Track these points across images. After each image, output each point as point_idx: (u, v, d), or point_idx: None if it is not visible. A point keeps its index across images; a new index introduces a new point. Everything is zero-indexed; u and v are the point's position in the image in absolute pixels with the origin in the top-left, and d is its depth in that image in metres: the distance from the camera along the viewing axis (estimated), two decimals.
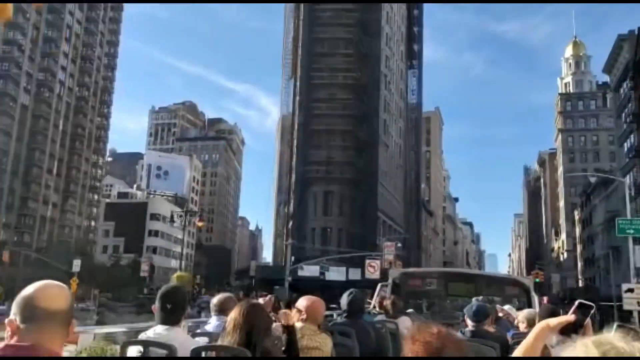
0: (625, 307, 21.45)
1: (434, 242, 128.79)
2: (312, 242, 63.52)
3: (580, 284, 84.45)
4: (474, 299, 5.92)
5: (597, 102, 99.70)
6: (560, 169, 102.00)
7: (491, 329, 4.87)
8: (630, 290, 21.01)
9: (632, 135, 56.73)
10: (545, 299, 32.47)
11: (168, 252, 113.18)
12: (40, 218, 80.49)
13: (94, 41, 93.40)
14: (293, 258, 46.47)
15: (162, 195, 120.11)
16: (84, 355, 8.98)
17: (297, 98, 70.78)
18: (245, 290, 57.96)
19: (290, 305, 5.17)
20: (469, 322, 4.68)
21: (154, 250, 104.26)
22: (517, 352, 1.88)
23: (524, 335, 2.57)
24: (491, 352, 3.93)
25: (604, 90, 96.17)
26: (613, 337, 1.06)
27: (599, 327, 2.01)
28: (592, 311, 1.92)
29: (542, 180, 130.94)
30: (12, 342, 1.59)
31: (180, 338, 3.20)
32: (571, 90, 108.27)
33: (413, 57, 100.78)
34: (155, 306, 3.28)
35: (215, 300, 4.50)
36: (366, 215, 66.45)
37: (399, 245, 50.15)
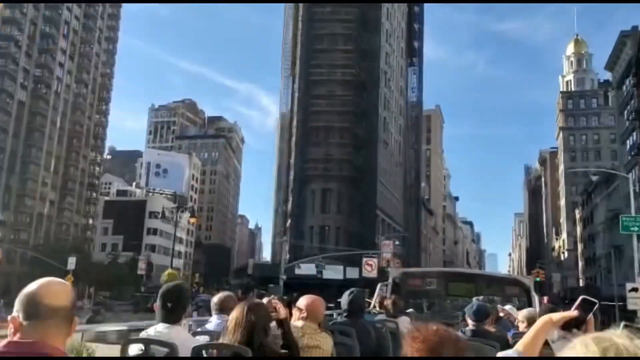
0: (630, 307, 20.81)
1: (433, 241, 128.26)
2: (310, 240, 62.92)
3: (581, 283, 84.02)
4: (474, 299, 5.91)
5: (599, 101, 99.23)
6: (562, 168, 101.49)
7: (492, 328, 4.89)
8: (635, 290, 20.39)
9: (634, 133, 56.14)
10: (545, 298, 32.12)
11: (167, 251, 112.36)
12: (37, 215, 79.95)
13: (92, 37, 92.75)
14: (288, 256, 45.92)
15: (161, 194, 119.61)
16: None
17: (296, 95, 70.11)
18: (244, 289, 57.55)
19: (290, 304, 4.99)
20: (470, 322, 4.68)
21: (153, 248, 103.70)
22: (519, 345, 1.91)
23: (523, 335, 2.34)
24: (492, 351, 3.87)
25: (606, 89, 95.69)
26: (614, 334, 1.05)
27: (600, 327, 1.78)
28: (595, 308, 1.93)
29: (542, 179, 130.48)
30: (15, 339, 1.59)
31: (181, 336, 3.22)
32: (573, 88, 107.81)
33: (413, 54, 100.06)
34: (156, 304, 3.32)
35: (215, 299, 4.50)
36: (365, 214, 65.81)
37: (397, 243, 49.60)
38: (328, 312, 7.85)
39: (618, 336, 1.04)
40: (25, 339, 1.57)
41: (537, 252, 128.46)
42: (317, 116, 67.65)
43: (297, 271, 45.39)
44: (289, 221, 66.42)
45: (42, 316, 1.60)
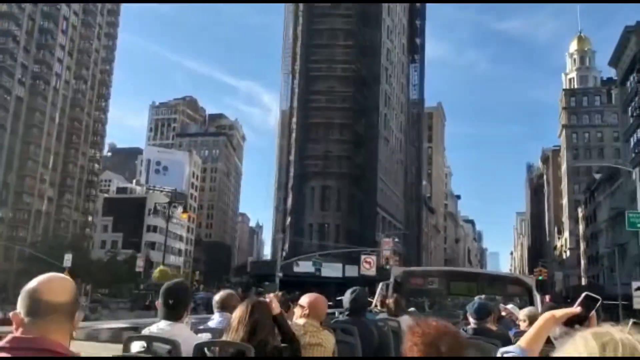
0: (636, 306, 20.21)
1: (435, 240, 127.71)
2: (310, 238, 62.26)
3: (584, 282, 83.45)
4: (476, 298, 5.92)
5: (602, 98, 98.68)
6: (564, 166, 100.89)
7: (493, 327, 4.87)
8: None
9: (638, 130, 55.41)
10: (547, 297, 31.90)
11: (167, 248, 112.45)
12: (35, 212, 79.44)
13: (91, 34, 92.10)
14: (284, 253, 45.36)
15: (161, 191, 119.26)
16: None
17: (296, 90, 69.39)
18: (244, 286, 57.10)
19: (287, 302, 5.17)
20: (471, 320, 4.67)
21: (153, 245, 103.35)
22: (522, 341, 1.94)
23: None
24: (494, 349, 3.67)
25: (609, 86, 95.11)
26: (613, 329, 1.05)
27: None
28: (598, 304, 1.94)
29: (545, 177, 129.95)
30: (18, 334, 1.63)
31: (184, 334, 3.21)
32: (576, 86, 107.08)
33: (415, 50, 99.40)
34: (158, 302, 3.34)
35: (217, 297, 4.49)
36: (365, 211, 65.18)
37: (397, 240, 48.99)
38: (329, 310, 7.63)
39: (618, 331, 1.04)
40: (27, 335, 1.59)
41: (539, 251, 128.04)
42: (317, 112, 66.91)
43: (296, 269, 44.82)
44: (289, 219, 65.82)
45: (42, 312, 1.61)
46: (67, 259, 44.90)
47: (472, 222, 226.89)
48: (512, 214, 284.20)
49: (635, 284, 20.88)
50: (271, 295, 4.74)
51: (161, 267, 20.19)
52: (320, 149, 65.78)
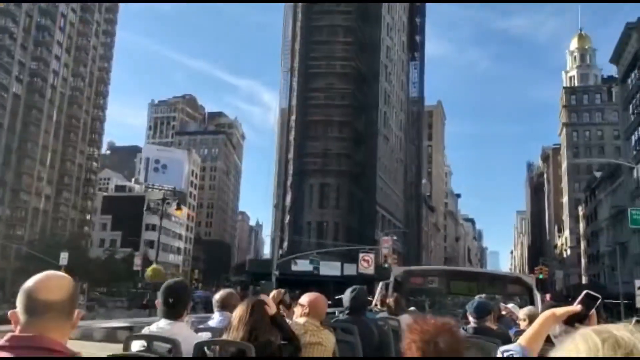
0: (639, 304, 19.71)
1: (435, 238, 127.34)
2: (308, 236, 61.79)
3: (584, 280, 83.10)
4: (476, 297, 5.99)
5: (603, 96, 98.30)
6: (564, 164, 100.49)
7: (494, 326, 4.86)
8: None
9: (639, 128, 54.94)
10: (547, 296, 31.75)
11: (166, 247, 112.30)
12: (32, 210, 79.02)
13: (89, 30, 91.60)
14: (281, 252, 44.92)
15: (160, 189, 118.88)
16: None
17: (295, 87, 68.87)
18: (243, 285, 56.62)
19: (290, 301, 5.14)
20: (471, 319, 4.65)
21: (151, 244, 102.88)
22: (522, 339, 1.96)
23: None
24: (494, 348, 3.42)
25: (610, 84, 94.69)
26: (613, 327, 1.04)
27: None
28: (598, 303, 1.96)
29: (545, 176, 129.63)
30: (16, 333, 1.64)
31: (184, 333, 3.20)
32: (576, 84, 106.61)
33: (415, 48, 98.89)
34: (158, 301, 3.35)
35: (217, 296, 4.47)
36: (364, 209, 64.73)
37: (395, 238, 48.56)
38: (329, 310, 7.53)
39: (617, 329, 1.03)
40: (26, 334, 1.60)
41: (539, 250, 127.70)
42: (316, 110, 66.40)
43: (294, 267, 44.40)
44: (288, 217, 65.39)
45: (39, 311, 1.61)
46: (63, 258, 44.40)
47: (472, 221, 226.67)
48: (512, 213, 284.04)
49: (638, 283, 20.45)
50: (272, 293, 4.65)
51: (154, 265, 19.89)
52: (320, 147, 65.28)
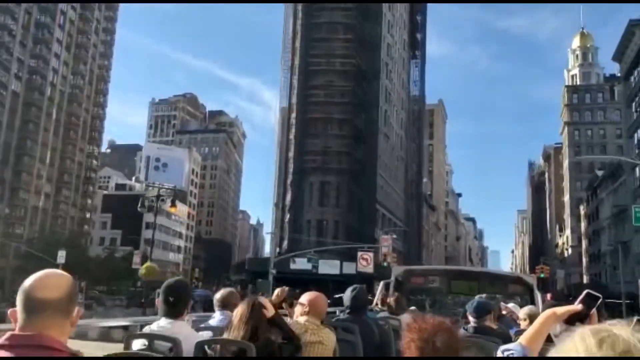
0: None
1: (435, 237, 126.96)
2: (308, 234, 61.39)
3: (585, 280, 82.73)
4: (476, 297, 6.04)
5: (605, 95, 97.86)
6: (566, 163, 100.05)
7: (494, 325, 4.83)
8: None
9: None
10: (548, 295, 31.69)
11: (166, 245, 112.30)
12: (31, 209, 78.75)
13: (89, 28, 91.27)
14: (278, 249, 44.59)
15: (160, 188, 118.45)
16: None
17: (295, 86, 68.42)
18: (244, 284, 56.34)
19: (292, 298, 5.13)
20: (471, 319, 4.64)
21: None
22: (522, 338, 1.97)
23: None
24: (495, 347, 3.16)
25: (612, 83, 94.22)
26: (613, 327, 1.04)
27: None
28: (599, 302, 1.96)
29: (546, 175, 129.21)
30: (16, 331, 1.65)
31: (185, 331, 3.21)
32: (578, 83, 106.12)
33: (416, 46, 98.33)
34: (158, 299, 3.15)
35: (218, 295, 4.47)
36: (364, 207, 64.28)
37: (394, 237, 48.20)
38: (330, 309, 7.99)
39: (617, 328, 1.03)
40: (25, 332, 1.61)
41: (540, 249, 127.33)
42: (316, 107, 65.89)
43: (292, 266, 44.05)
44: (288, 216, 65.02)
45: (36, 309, 1.63)
46: (61, 256, 44.21)
47: (473, 220, 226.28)
48: (514, 212, 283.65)
49: None
50: (276, 291, 4.65)
51: (148, 263, 19.67)
52: (319, 145, 64.81)
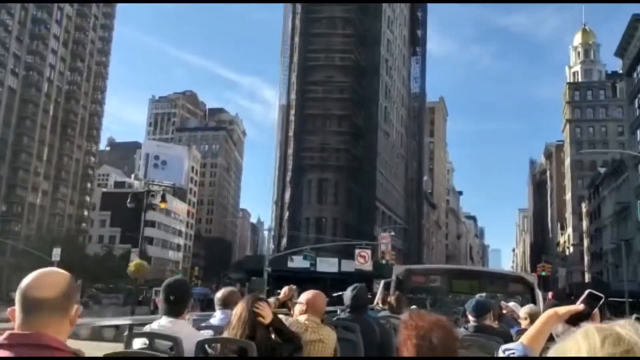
0: None
1: (436, 236, 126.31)
2: (307, 232, 60.73)
3: (587, 278, 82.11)
4: (477, 296, 6.02)
5: (607, 92, 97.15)
6: (568, 161, 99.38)
7: (494, 324, 4.81)
8: None
9: None
10: (550, 294, 31.35)
11: (165, 243, 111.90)
12: (29, 206, 78.15)
13: (86, 24, 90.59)
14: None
15: (160, 185, 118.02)
16: None
17: (294, 82, 67.68)
18: (243, 282, 55.79)
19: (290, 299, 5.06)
20: (470, 318, 4.60)
21: (150, 241, 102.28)
22: (524, 338, 1.96)
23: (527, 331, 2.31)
24: (496, 346, 3.19)
25: (614, 80, 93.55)
26: (617, 324, 1.03)
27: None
28: (601, 302, 1.95)
29: (548, 172, 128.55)
30: (15, 330, 1.67)
31: (185, 330, 3.21)
32: (580, 80, 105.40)
33: (416, 43, 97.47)
34: (159, 298, 3.11)
35: (219, 294, 4.48)
36: (363, 205, 63.54)
37: (392, 234, 47.54)
38: (332, 308, 8.13)
39: (621, 326, 1.02)
40: (24, 331, 1.60)
41: (541, 247, 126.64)
42: (314, 103, 65.11)
43: (290, 264, 43.40)
44: (287, 213, 64.42)
45: (33, 308, 1.63)
46: (56, 254, 43.76)
47: (474, 219, 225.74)
48: (515, 210, 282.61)
49: None
50: (284, 290, 4.62)
51: (136, 260, 19.20)
52: (318, 141, 64.09)
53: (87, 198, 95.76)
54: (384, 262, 38.15)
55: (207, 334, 3.63)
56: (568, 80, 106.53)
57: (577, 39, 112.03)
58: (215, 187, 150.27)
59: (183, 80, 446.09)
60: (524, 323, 5.01)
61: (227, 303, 4.23)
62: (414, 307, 7.31)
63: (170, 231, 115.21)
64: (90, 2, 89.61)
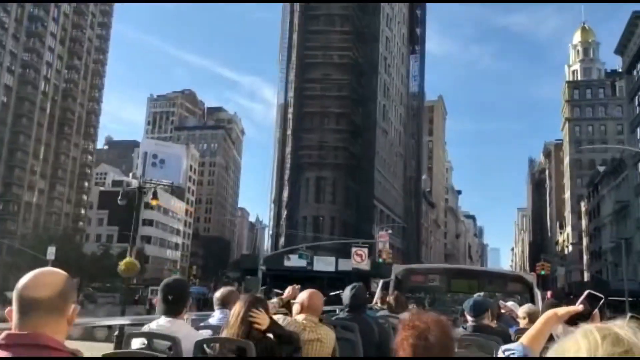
0: None
1: (435, 235, 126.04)
2: (304, 231, 60.35)
3: (586, 277, 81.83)
4: (475, 295, 6.00)
5: (606, 91, 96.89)
6: (567, 159, 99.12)
7: (493, 324, 4.80)
8: None
9: None
10: (549, 293, 31.28)
11: (163, 242, 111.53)
12: (25, 204, 77.70)
13: (84, 22, 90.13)
14: (268, 245, 43.64)
15: (158, 184, 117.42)
16: None
17: (292, 80, 67.27)
18: (241, 281, 55.50)
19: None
20: (469, 317, 4.59)
21: (148, 240, 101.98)
22: (524, 339, 1.97)
23: (525, 331, 2.28)
24: (495, 346, 3.56)
25: (613, 79, 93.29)
26: (615, 325, 1.04)
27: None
28: (601, 303, 1.96)
29: (547, 171, 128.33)
30: (13, 330, 1.66)
31: (184, 330, 3.21)
32: (579, 78, 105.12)
33: (415, 41, 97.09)
34: (157, 298, 3.44)
35: (218, 294, 4.47)
36: (361, 203, 63.17)
37: (390, 232, 47.23)
38: (330, 308, 7.92)
39: (619, 327, 1.03)
40: (21, 331, 1.59)
41: (540, 247, 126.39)
42: (312, 101, 64.67)
43: (287, 263, 43.03)
44: (285, 212, 64.07)
45: (29, 308, 1.62)
46: (51, 252, 43.33)
47: (473, 218, 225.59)
48: (514, 210, 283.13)
49: None
50: (287, 289, 4.64)
51: (127, 258, 18.80)
52: (316, 139, 63.68)
53: (84, 197, 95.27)
54: (380, 260, 37.76)
55: (206, 333, 3.64)
56: (567, 79, 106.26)
57: (577, 38, 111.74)
58: (213, 186, 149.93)
59: (183, 79, 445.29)
60: (522, 322, 5.01)
61: (226, 302, 4.21)
62: (412, 306, 7.53)
63: (168, 230, 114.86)
64: (90, 2, 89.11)
